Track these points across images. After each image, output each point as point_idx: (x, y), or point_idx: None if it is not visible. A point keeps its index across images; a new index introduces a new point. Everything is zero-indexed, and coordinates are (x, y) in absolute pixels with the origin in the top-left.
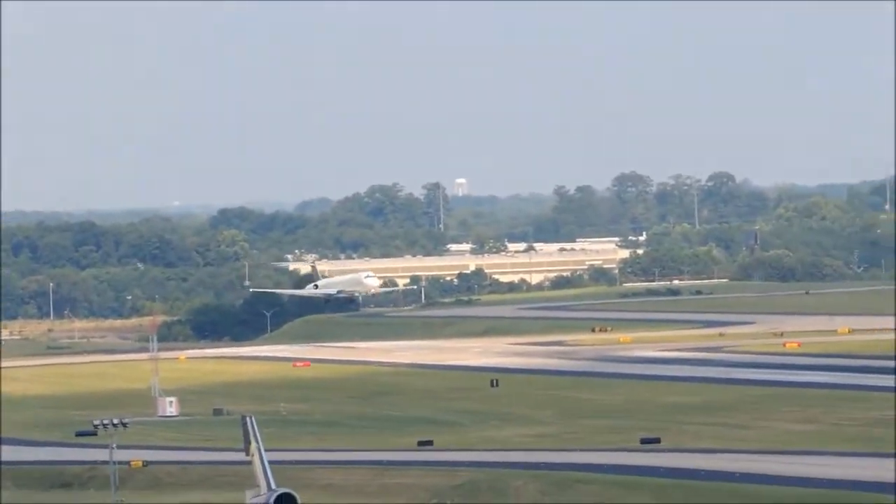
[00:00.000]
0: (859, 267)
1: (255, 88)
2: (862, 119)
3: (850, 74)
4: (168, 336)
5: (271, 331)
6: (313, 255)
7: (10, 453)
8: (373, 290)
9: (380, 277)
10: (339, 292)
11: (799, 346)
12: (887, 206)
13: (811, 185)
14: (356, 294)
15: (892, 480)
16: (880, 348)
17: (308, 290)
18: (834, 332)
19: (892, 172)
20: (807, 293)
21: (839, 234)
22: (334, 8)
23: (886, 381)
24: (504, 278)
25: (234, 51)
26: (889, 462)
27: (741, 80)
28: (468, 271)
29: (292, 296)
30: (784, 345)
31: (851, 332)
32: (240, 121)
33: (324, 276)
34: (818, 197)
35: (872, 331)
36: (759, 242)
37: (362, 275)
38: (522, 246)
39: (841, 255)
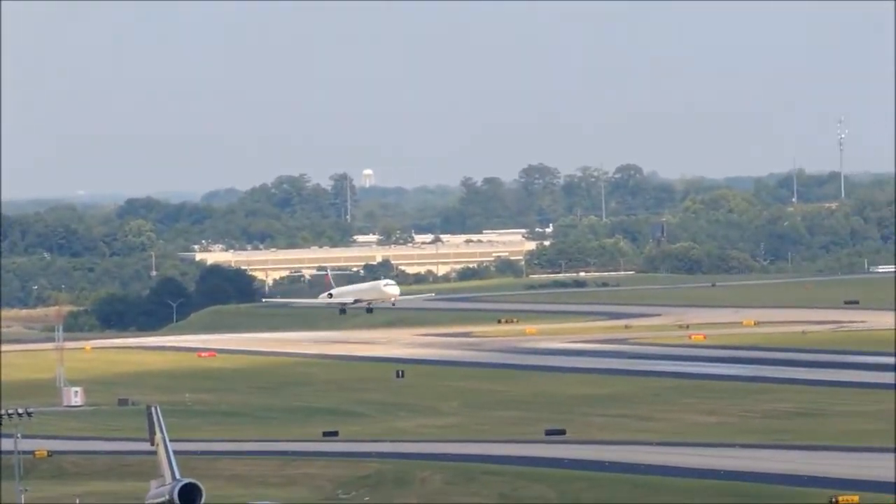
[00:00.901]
0: (765, 259)
1: (158, 79)
2: (769, 112)
3: (748, 70)
4: (74, 326)
5: (177, 321)
6: (328, 266)
7: None
8: (393, 299)
9: (286, 268)
10: (355, 301)
11: (705, 338)
12: (794, 199)
13: (718, 178)
14: (373, 303)
15: (796, 472)
16: (786, 341)
17: (322, 300)
18: (739, 324)
19: (798, 166)
20: (713, 285)
21: (746, 227)
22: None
23: (791, 373)
24: (411, 270)
25: (136, 41)
26: (793, 454)
27: (647, 74)
28: (375, 263)
29: (305, 305)
30: (690, 337)
31: (757, 324)
32: (146, 111)
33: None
34: (725, 189)
35: (778, 323)
36: (665, 235)
37: (381, 283)
38: (429, 237)
39: (747, 247)
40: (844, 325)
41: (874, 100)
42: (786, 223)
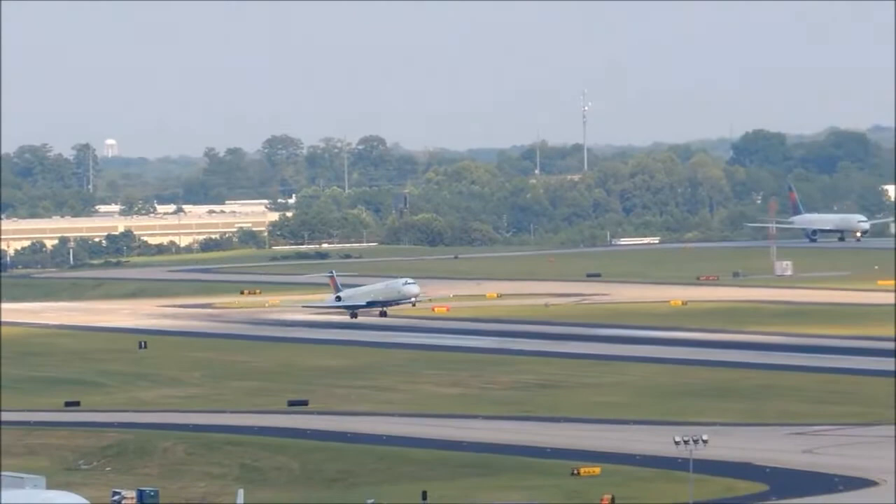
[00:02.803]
0: (508, 231)
1: None
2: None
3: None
4: None
5: None
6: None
7: None
8: (413, 299)
9: (27, 238)
10: (369, 303)
11: (447, 310)
12: (537, 171)
13: (461, 150)
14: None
15: (538, 444)
16: (528, 313)
17: (329, 302)
18: (482, 296)
19: (541, 138)
20: (455, 257)
21: (488, 199)
22: None
23: (534, 345)
24: (153, 240)
25: None
26: (535, 426)
27: (387, 47)
28: (117, 233)
29: (310, 308)
30: (432, 309)
31: (500, 296)
32: None
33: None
34: (468, 161)
35: (520, 295)
36: (408, 206)
37: (400, 282)
38: (172, 208)
39: (490, 219)
40: (586, 297)
41: (616, 73)
42: (528, 195)
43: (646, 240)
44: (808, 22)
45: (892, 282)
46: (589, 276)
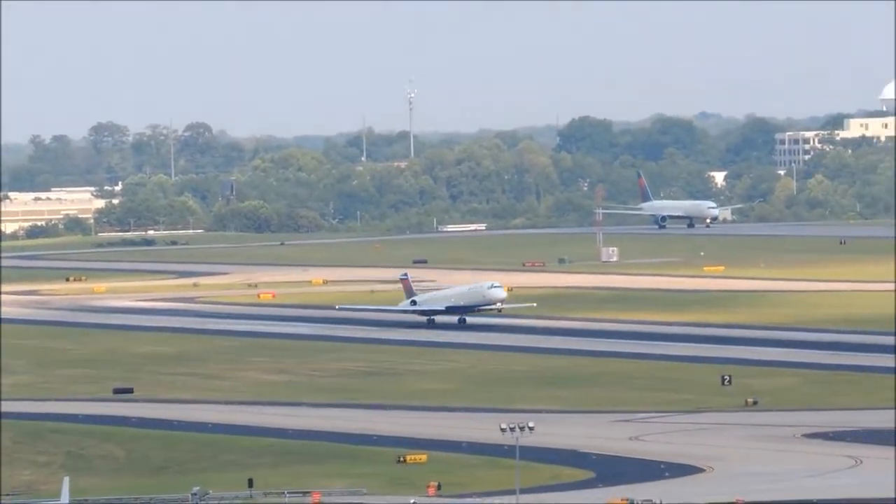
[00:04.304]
0: (335, 218)
1: None
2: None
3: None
4: None
5: None
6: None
7: None
8: (499, 305)
9: None
10: (448, 309)
11: (273, 296)
12: (363, 158)
13: (288, 137)
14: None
15: (365, 431)
16: (355, 299)
17: (403, 307)
18: (308, 282)
19: (367, 125)
20: (282, 244)
21: (315, 186)
22: None
23: (361, 332)
24: None
25: None
26: (362, 413)
27: (220, 32)
28: None
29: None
30: (258, 296)
31: (326, 282)
32: None
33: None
34: (295, 149)
35: (347, 282)
36: (235, 193)
37: (485, 285)
38: None
39: (317, 206)
40: (413, 283)
41: (447, 60)
42: (355, 182)
43: (472, 226)
44: (634, 11)
45: (718, 268)
46: (415, 262)
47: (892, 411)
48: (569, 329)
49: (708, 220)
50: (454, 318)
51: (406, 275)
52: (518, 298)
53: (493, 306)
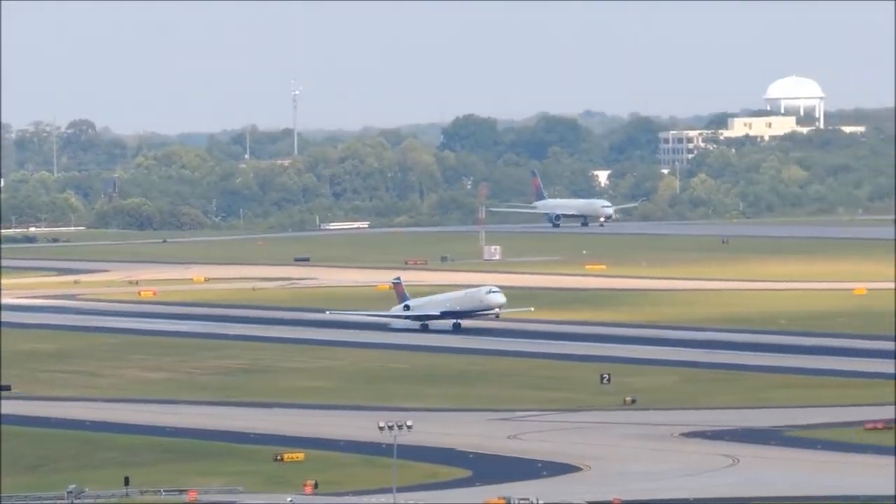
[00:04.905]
0: (217, 216)
1: None
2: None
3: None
4: None
5: None
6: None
7: None
8: (497, 310)
9: None
10: (443, 314)
11: (155, 294)
12: (247, 155)
13: (172, 134)
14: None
15: (243, 429)
16: (236, 297)
17: (396, 312)
18: (190, 280)
19: (251, 122)
20: (164, 241)
21: (198, 183)
22: None
23: (241, 329)
24: None
25: None
26: (241, 411)
27: (104, 27)
28: None
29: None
30: (140, 293)
31: (207, 280)
32: None
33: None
34: (178, 146)
35: (229, 279)
36: (117, 191)
37: (483, 290)
38: None
39: (200, 203)
40: (295, 281)
41: (332, 57)
42: (238, 180)
43: (355, 224)
44: (519, 9)
45: (600, 266)
46: (297, 260)
47: (770, 410)
48: (447, 327)
49: (602, 219)
50: (448, 323)
51: (399, 279)
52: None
53: (491, 311)
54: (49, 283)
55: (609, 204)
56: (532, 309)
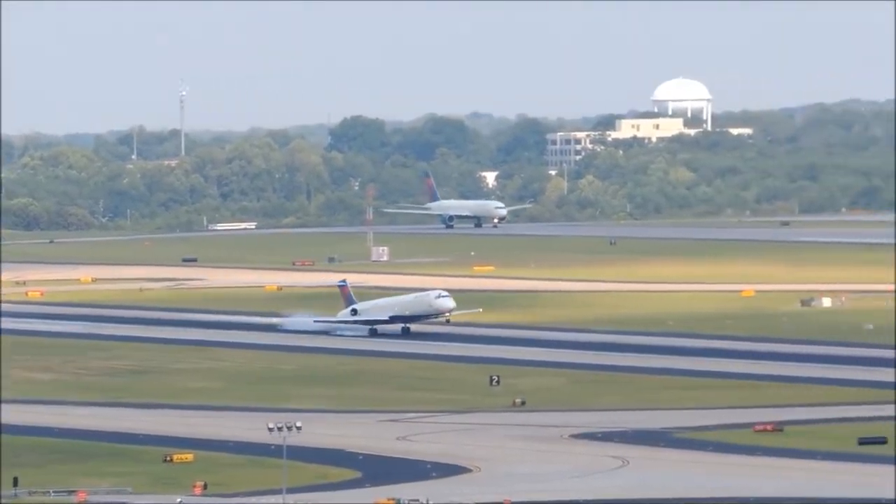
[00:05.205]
0: (104, 216)
1: None
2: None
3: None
4: None
5: None
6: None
7: None
8: (447, 315)
9: None
10: (392, 318)
11: (42, 294)
12: (134, 156)
13: (59, 134)
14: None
15: (131, 430)
16: (123, 298)
17: (343, 317)
18: (77, 280)
19: (138, 123)
20: (51, 242)
21: (85, 184)
22: None
23: (128, 330)
24: None
25: None
26: (128, 412)
27: None
28: None
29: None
30: (27, 293)
31: (94, 280)
32: None
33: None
34: (65, 146)
35: (115, 280)
36: (3, 191)
37: (432, 294)
38: None
39: (87, 204)
40: (182, 282)
41: (219, 58)
42: (125, 180)
43: (242, 225)
44: (403, 9)
45: (488, 268)
46: (185, 260)
47: (659, 412)
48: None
49: (495, 220)
50: (397, 328)
51: (344, 282)
52: (287, 298)
53: (441, 316)
54: None
55: (503, 205)
56: (480, 310)
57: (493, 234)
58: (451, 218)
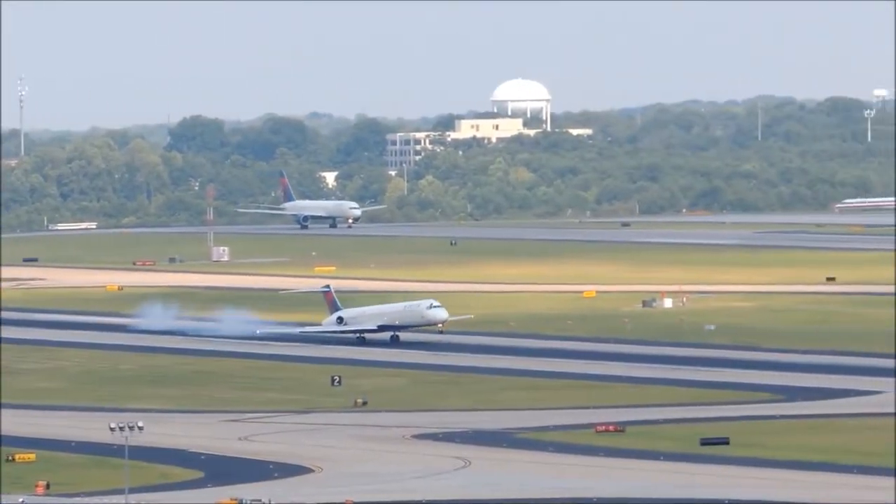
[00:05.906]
0: None
1: None
2: None
3: None
4: None
5: None
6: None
7: None
8: (440, 326)
9: None
10: (380, 327)
11: None
12: None
13: None
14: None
15: None
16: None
17: (329, 325)
18: None
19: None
20: None
21: None
22: None
23: None
24: None
25: None
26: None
27: None
28: None
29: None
30: None
31: None
32: None
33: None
34: None
35: None
36: None
37: (424, 304)
38: None
39: None
40: (24, 282)
41: (59, 57)
42: None
43: (83, 225)
44: (244, 11)
45: (329, 268)
46: (26, 261)
47: (501, 412)
48: (178, 329)
49: (350, 221)
50: (386, 336)
51: (328, 287)
52: (127, 298)
53: (436, 326)
54: None
55: (357, 206)
56: (472, 316)
57: (342, 235)
58: (305, 218)
